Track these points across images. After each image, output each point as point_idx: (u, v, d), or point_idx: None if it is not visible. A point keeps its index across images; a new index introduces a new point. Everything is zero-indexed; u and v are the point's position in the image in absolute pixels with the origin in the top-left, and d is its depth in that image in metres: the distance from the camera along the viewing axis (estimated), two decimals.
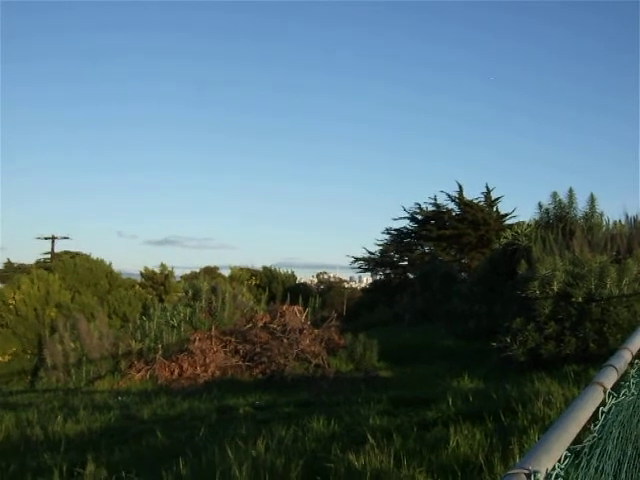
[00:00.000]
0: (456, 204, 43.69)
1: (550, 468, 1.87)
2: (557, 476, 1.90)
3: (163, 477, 5.94)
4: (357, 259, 46.98)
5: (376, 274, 48.39)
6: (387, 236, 46.54)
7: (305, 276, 51.66)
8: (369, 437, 6.73)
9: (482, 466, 5.70)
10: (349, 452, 6.34)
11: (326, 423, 8.46)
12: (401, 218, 45.44)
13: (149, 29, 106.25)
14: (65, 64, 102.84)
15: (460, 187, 43.32)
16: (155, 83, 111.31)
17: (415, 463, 5.88)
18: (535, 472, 1.74)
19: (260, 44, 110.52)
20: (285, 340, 19.12)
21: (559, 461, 1.96)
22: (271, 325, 20.22)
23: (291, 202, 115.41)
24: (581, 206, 19.29)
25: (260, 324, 20.49)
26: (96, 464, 7.04)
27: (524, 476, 1.72)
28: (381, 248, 46.69)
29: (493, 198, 43.55)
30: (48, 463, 7.67)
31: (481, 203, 43.29)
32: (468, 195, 43.52)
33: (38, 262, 52.48)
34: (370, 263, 47.02)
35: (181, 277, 42.01)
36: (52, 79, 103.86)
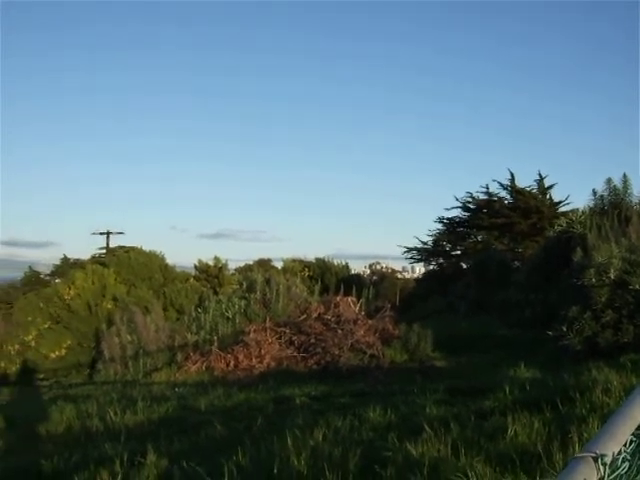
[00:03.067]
0: (508, 192, 43.19)
1: (616, 452, 1.87)
2: (624, 460, 1.91)
3: (223, 466, 5.98)
4: (409, 249, 46.73)
5: (429, 264, 48.12)
6: (439, 225, 46.19)
7: (357, 267, 51.57)
8: (426, 426, 6.73)
9: (541, 455, 5.67)
10: (406, 441, 6.34)
11: (382, 413, 8.47)
12: (453, 207, 44.98)
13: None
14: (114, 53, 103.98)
15: (512, 175, 42.79)
16: (203, 74, 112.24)
17: (473, 452, 5.87)
18: (602, 456, 1.74)
19: (306, 35, 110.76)
20: (339, 331, 19.14)
21: (624, 445, 1.96)
22: (325, 316, 20.25)
23: (343, 193, 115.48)
24: (636, 192, 19.04)
25: (314, 315, 20.53)
26: (156, 454, 7.12)
27: (591, 459, 1.73)
28: (433, 238, 46.37)
29: (546, 186, 42.95)
30: (109, 453, 7.78)
31: (534, 191, 42.73)
32: (520, 183, 42.99)
33: (93, 257, 53.14)
34: (423, 253, 46.72)
35: (235, 270, 42.19)
36: (104, 67, 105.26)
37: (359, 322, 20.01)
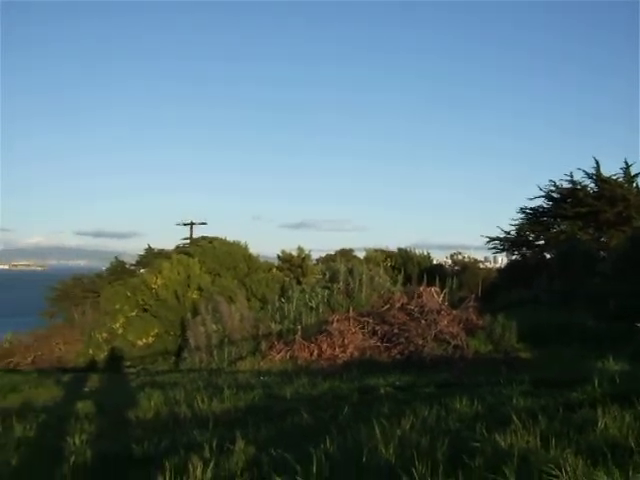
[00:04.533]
0: (593, 181, 42.30)
1: None
2: None
3: (311, 454, 6.03)
4: (492, 239, 46.26)
5: (512, 254, 47.54)
6: (522, 215, 45.53)
7: (439, 257, 51.40)
8: (514, 417, 6.69)
9: (632, 449, 5.59)
10: (494, 432, 6.31)
11: (469, 403, 8.43)
12: (536, 197, 44.33)
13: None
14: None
15: (597, 163, 41.88)
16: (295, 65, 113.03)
17: (562, 444, 5.81)
18: None
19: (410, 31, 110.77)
20: (423, 321, 19.10)
21: None
22: (408, 306, 20.22)
23: (424, 184, 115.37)
24: None
25: (397, 305, 20.53)
26: (245, 441, 7.21)
27: None
28: (516, 228, 45.74)
29: (632, 174, 41.91)
30: (198, 439, 7.88)
31: (620, 179, 41.76)
32: (606, 171, 42.02)
33: (178, 247, 54.11)
34: (505, 243, 46.19)
35: (317, 259, 42.37)
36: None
37: (443, 312, 19.93)
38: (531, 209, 44.85)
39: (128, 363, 26.62)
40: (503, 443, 5.95)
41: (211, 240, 40.25)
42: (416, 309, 19.89)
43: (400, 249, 46.07)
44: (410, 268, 41.18)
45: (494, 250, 48.01)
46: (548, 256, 42.20)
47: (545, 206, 44.50)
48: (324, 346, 18.60)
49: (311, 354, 18.58)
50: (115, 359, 26.94)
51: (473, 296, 23.25)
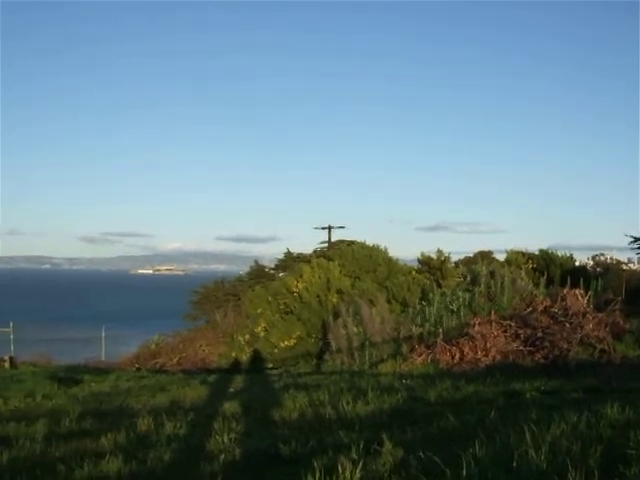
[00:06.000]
0: None
1: None
2: None
3: (459, 457, 6.02)
4: (636, 239, 44.70)
5: None
6: None
7: (580, 258, 50.14)
8: None
9: None
10: None
11: (620, 409, 8.20)
12: None
13: None
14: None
15: None
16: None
17: None
18: None
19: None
20: (567, 324, 18.67)
21: None
22: (552, 309, 19.82)
23: (563, 185, 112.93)
24: None
25: (540, 308, 20.15)
26: (391, 443, 7.24)
27: None
28: None
29: None
30: (345, 440, 7.98)
31: None
32: None
33: (316, 251, 54.76)
34: None
35: (455, 262, 41.94)
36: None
37: (588, 315, 19.42)
38: None
39: (270, 365, 27.15)
40: None
41: (350, 243, 40.54)
42: (560, 312, 19.47)
43: (541, 250, 45.03)
44: (552, 270, 40.26)
45: (639, 250, 46.40)
46: None
47: None
48: (466, 349, 18.44)
49: (452, 357, 18.46)
50: (257, 361, 27.53)
51: (619, 298, 22.59)
